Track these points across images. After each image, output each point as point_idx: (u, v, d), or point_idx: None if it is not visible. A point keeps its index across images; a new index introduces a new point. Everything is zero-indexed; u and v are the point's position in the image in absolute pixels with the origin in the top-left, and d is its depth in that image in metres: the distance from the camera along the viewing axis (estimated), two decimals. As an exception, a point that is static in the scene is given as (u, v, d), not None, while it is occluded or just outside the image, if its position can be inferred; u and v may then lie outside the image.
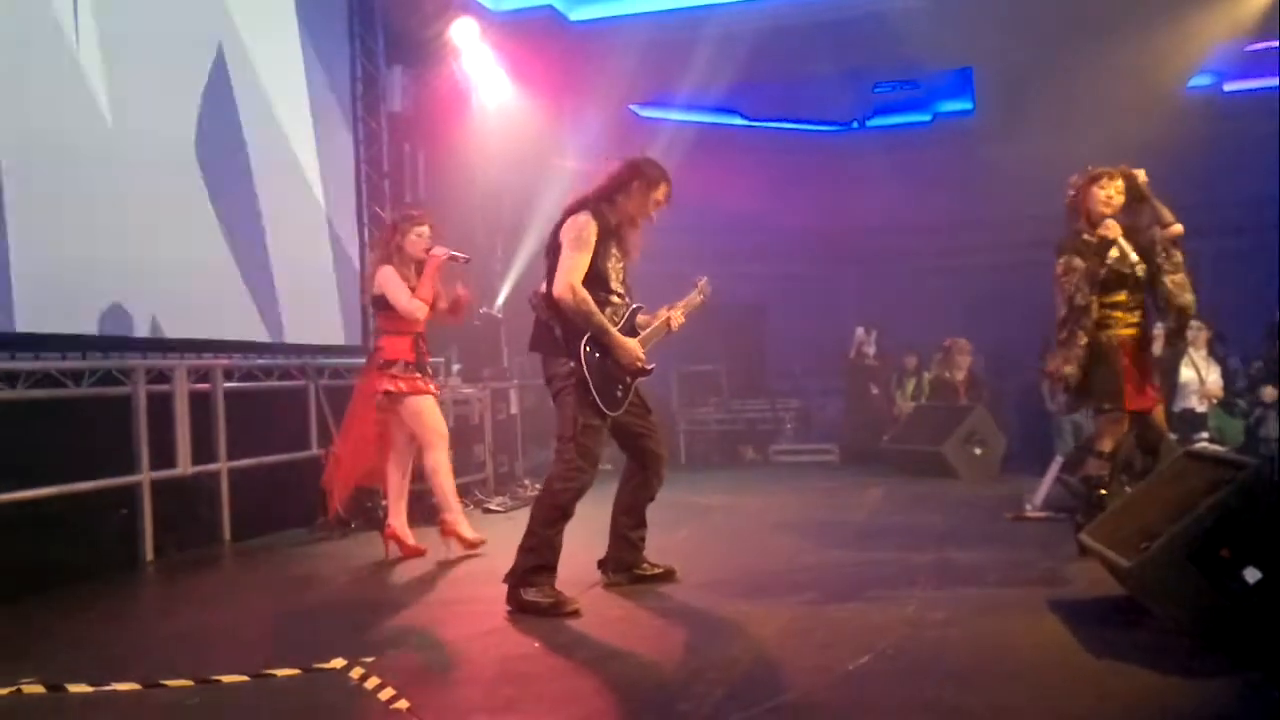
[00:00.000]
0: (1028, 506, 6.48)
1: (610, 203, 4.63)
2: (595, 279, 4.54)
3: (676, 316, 4.98)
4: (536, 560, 4.44)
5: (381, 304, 5.86)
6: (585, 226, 4.53)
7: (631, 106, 12.67)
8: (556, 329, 4.54)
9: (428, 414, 5.85)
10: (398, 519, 5.94)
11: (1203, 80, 11.88)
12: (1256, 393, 8.53)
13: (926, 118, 13.67)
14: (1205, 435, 7.90)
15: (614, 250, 4.65)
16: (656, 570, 4.99)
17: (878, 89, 13.03)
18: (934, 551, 5.51)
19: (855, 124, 14.11)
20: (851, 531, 6.47)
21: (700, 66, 10.41)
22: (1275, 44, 10.93)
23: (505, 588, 4.49)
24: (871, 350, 10.75)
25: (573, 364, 4.48)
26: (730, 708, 3.17)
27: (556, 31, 10.14)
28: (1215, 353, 8.69)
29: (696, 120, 12.87)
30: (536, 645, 3.96)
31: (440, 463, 5.88)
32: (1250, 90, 11.86)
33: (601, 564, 5.01)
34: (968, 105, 13.09)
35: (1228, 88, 12.15)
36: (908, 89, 12.95)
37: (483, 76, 9.64)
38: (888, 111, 13.77)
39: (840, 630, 4.01)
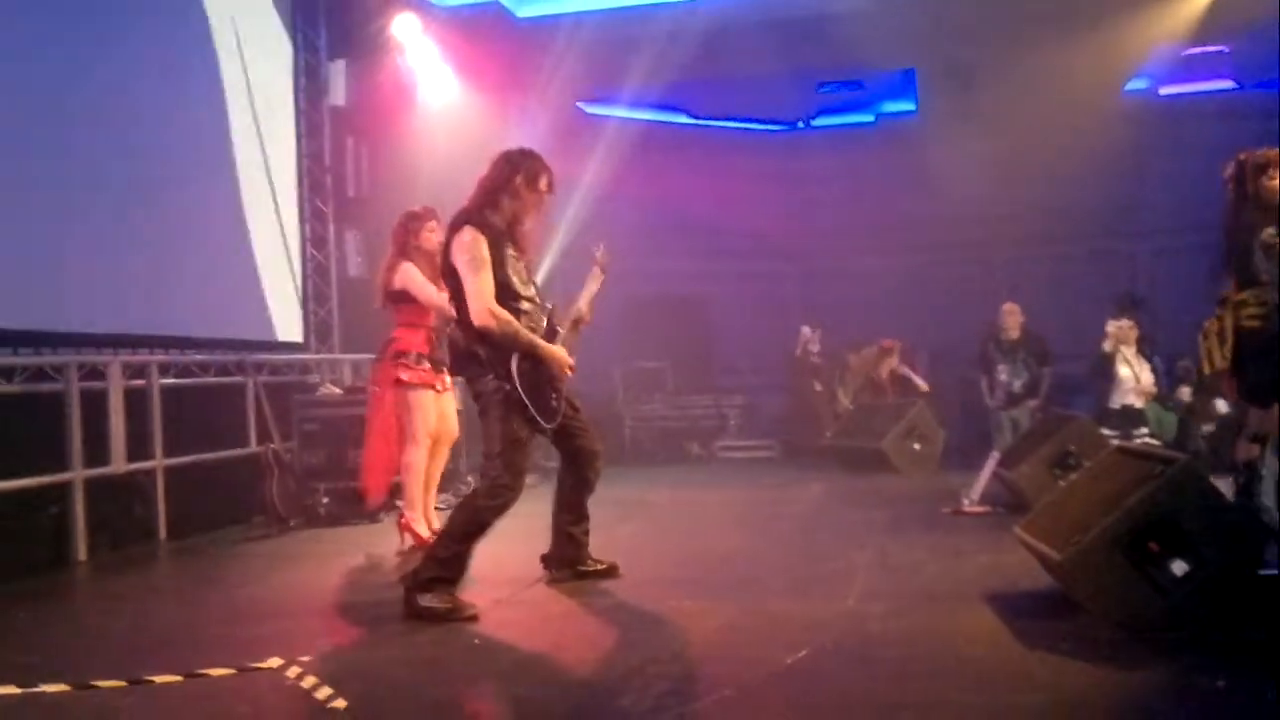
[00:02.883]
0: (965, 501, 6.57)
1: (494, 207, 4.50)
2: (502, 291, 4.40)
3: (586, 310, 4.94)
4: (442, 572, 4.29)
5: (400, 298, 5.81)
6: (475, 244, 4.37)
7: (579, 103, 12.65)
8: (481, 350, 4.40)
9: (423, 409, 5.81)
10: (412, 510, 5.87)
11: (1139, 84, 12.11)
12: (1176, 391, 8.74)
13: (870, 118, 13.80)
14: (1145, 430, 8.08)
15: (511, 253, 4.50)
16: (599, 566, 4.99)
17: (822, 89, 13.14)
18: (874, 546, 5.57)
19: (800, 124, 14.22)
20: (793, 526, 6.52)
21: (647, 64, 10.42)
22: (1210, 49, 11.22)
23: None
24: (816, 348, 10.86)
25: (501, 383, 4.34)
26: (670, 702, 3.19)
27: (503, 27, 10.09)
28: (1143, 351, 8.89)
29: (643, 118, 12.88)
30: (476, 642, 3.94)
31: (417, 460, 5.85)
32: (1186, 94, 12.10)
33: (545, 560, 5.00)
34: (910, 106, 13.24)
35: (1163, 91, 12.38)
36: (852, 89, 13.08)
37: (427, 71, 9.57)
38: (832, 112, 13.88)
39: (781, 624, 4.04)
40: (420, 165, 10.01)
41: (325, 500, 7.03)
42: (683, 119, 13.96)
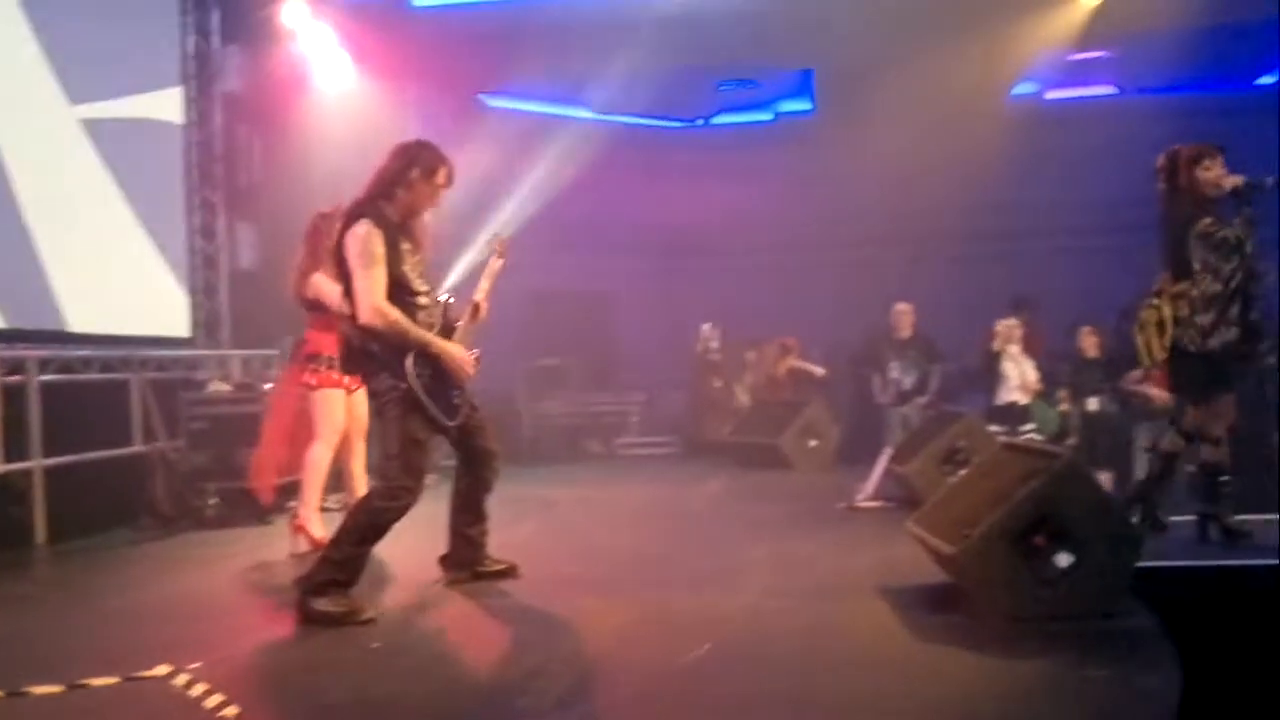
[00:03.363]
0: (859, 496, 6.70)
1: (389, 199, 4.39)
2: (396, 287, 4.30)
3: (483, 302, 4.88)
4: (337, 575, 4.19)
5: (313, 305, 5.64)
6: (368, 239, 4.25)
7: (478, 95, 12.53)
8: (374, 347, 4.30)
9: (331, 408, 5.66)
10: (307, 509, 5.71)
11: (1027, 88, 12.48)
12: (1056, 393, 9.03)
13: (769, 117, 13.96)
14: (1030, 426, 8.34)
15: (406, 248, 4.40)
16: (498, 567, 4.93)
17: (721, 87, 13.25)
18: (772, 541, 5.63)
19: (700, 121, 14.32)
20: (693, 523, 6.58)
21: (548, 57, 10.38)
22: (1093, 54, 11.62)
23: None
24: (716, 345, 10.95)
25: (396, 382, 4.25)
26: (571, 702, 3.19)
27: (400, 15, 9.92)
28: (1028, 349, 9.17)
29: (545, 111, 12.81)
30: (375, 646, 3.87)
31: (321, 458, 5.70)
32: (1071, 99, 12.52)
33: (443, 561, 4.92)
34: (808, 105, 13.44)
35: (1049, 95, 12.78)
36: (750, 88, 13.23)
37: (323, 59, 9.36)
38: (732, 110, 14.02)
39: (682, 621, 4.07)
40: (316, 154, 9.77)
41: (214, 501, 6.80)
42: (584, 113, 13.93)
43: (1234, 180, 4.78)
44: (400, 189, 4.42)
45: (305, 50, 9.12)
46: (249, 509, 6.60)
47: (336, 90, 9.50)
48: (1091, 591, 3.78)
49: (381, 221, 4.33)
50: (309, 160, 9.72)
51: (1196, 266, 4.74)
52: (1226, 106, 11.55)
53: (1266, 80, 12.14)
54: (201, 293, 8.38)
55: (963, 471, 6.14)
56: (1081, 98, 12.52)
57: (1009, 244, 13.73)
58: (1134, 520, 4.83)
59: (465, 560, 4.88)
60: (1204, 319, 4.72)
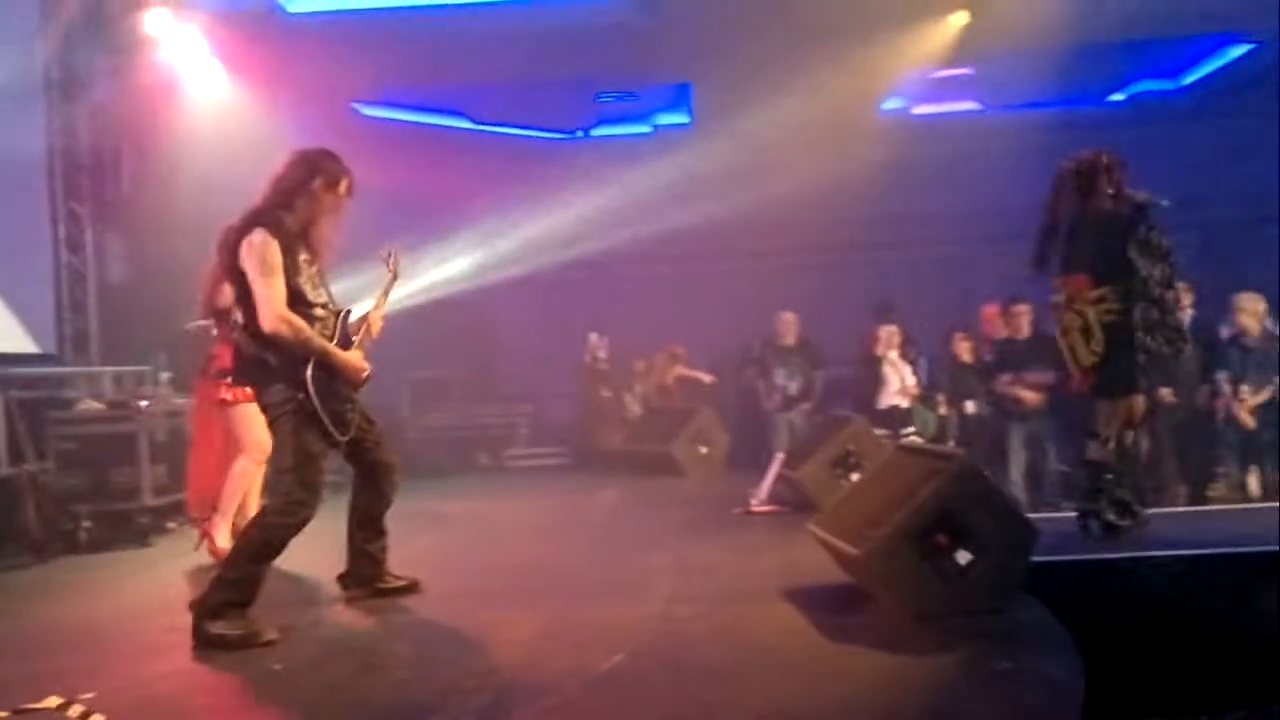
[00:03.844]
0: (753, 501, 6.79)
1: (289, 209, 4.30)
2: (294, 298, 4.21)
3: (377, 318, 4.85)
4: (233, 595, 4.06)
5: (224, 316, 5.41)
6: (266, 248, 4.15)
7: (354, 104, 12.29)
8: (270, 358, 4.20)
9: (252, 422, 5.42)
10: (223, 519, 5.56)
11: (895, 103, 12.89)
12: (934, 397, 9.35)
13: (648, 129, 14.08)
14: (911, 429, 8.60)
15: (304, 258, 4.31)
16: (399, 583, 4.84)
17: (600, 99, 13.31)
18: (672, 549, 5.66)
19: (580, 132, 14.34)
20: (591, 533, 6.57)
21: (424, 66, 10.26)
22: (957, 71, 12.07)
23: None
24: (604, 354, 10.97)
25: (293, 393, 4.16)
26: (493, 716, 3.14)
27: (274, 23, 9.67)
28: (906, 355, 9.48)
29: (422, 121, 12.65)
30: (278, 668, 3.75)
31: (248, 470, 5.56)
32: (937, 114, 12.98)
33: (342, 579, 4.81)
34: (686, 118, 13.59)
35: (916, 110, 13.22)
36: (629, 100, 13.32)
37: (192, 67, 9.04)
38: (611, 122, 14.08)
39: (592, 631, 4.05)
40: (187, 164, 9.44)
41: (87, 525, 6.50)
42: (463, 123, 13.81)
43: (1142, 196, 4.97)
44: (301, 199, 4.31)
45: (174, 59, 8.79)
46: (125, 531, 6.33)
47: (207, 99, 9.19)
48: (989, 587, 3.91)
49: (279, 231, 4.22)
50: (180, 170, 9.38)
51: (1142, 273, 4.86)
52: (1081, 121, 12.20)
53: (1117, 97, 12.84)
54: (69, 308, 8.00)
55: (854, 475, 6.34)
56: (947, 113, 13.00)
57: (880, 253, 14.19)
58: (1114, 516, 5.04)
59: (366, 577, 4.78)
60: (1162, 318, 4.89)
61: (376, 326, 4.86)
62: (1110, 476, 5.09)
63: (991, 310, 9.93)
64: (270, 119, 10.04)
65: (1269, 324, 8.56)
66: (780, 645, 3.80)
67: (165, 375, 8.43)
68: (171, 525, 6.88)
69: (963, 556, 3.94)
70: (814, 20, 10.28)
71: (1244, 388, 8.02)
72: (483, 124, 13.94)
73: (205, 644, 3.98)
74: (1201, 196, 13.09)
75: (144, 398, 7.29)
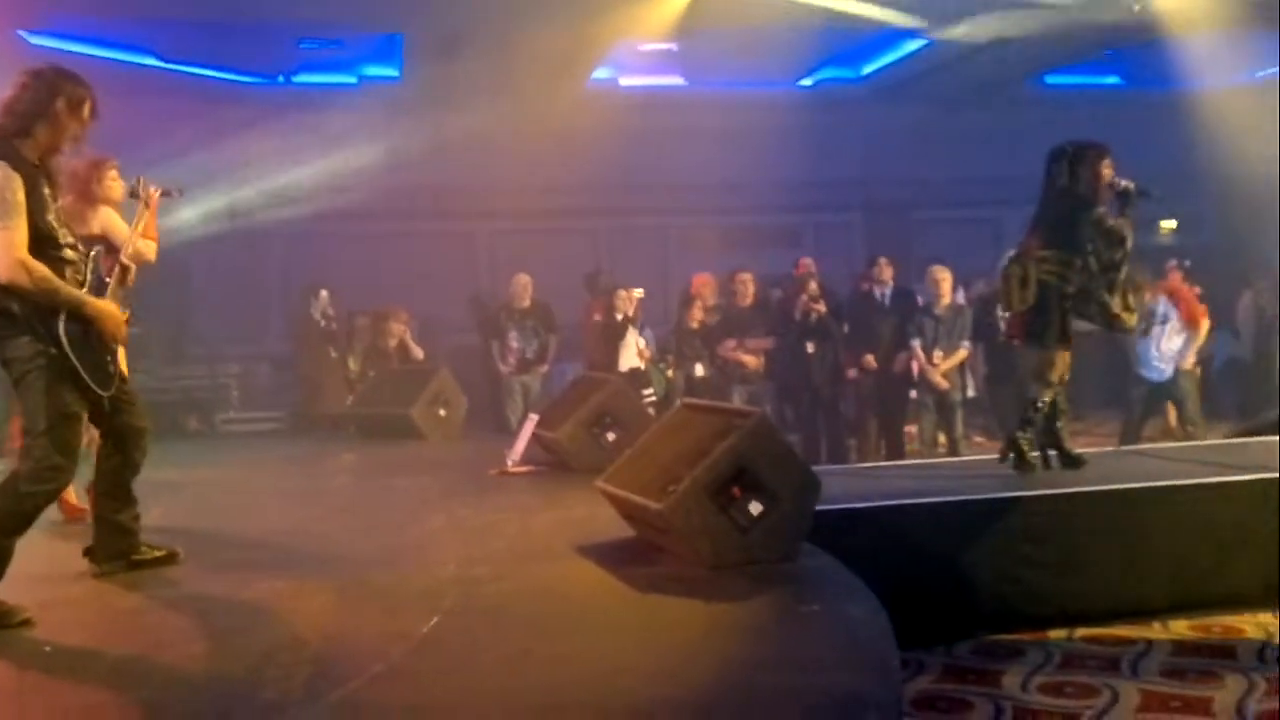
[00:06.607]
0: (509, 462, 6.76)
1: (25, 134, 3.80)
2: (41, 240, 3.76)
3: (129, 259, 4.49)
4: None
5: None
6: (7, 184, 3.67)
7: (20, 31, 10.94)
8: (13, 306, 3.73)
9: None
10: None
11: (603, 74, 13.14)
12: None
13: (353, 79, 13.55)
14: (650, 390, 8.91)
15: (46, 193, 3.85)
16: (157, 553, 4.45)
17: (303, 45, 12.68)
18: (441, 511, 5.52)
19: (281, 78, 13.56)
20: (347, 498, 6.34)
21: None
22: (661, 46, 12.45)
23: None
24: (332, 313, 10.46)
25: (43, 347, 3.75)
26: (323, 687, 3.00)
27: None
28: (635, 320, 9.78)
29: (102, 55, 11.47)
30: (49, 650, 3.38)
31: None
32: (643, 86, 13.35)
33: (89, 553, 4.35)
34: (395, 72, 13.19)
35: (624, 82, 13.54)
36: (334, 48, 12.77)
37: None
38: (314, 69, 13.42)
39: (394, 596, 3.93)
40: None
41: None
42: (150, 60, 12.65)
43: (1126, 183, 5.46)
44: (40, 124, 3.81)
45: None
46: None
47: None
48: (780, 537, 4.15)
49: (19, 163, 3.74)
50: None
51: (1089, 248, 5.41)
52: (774, 102, 13.05)
53: (806, 82, 13.80)
54: None
55: (610, 435, 6.49)
56: (653, 86, 13.40)
57: (590, 220, 14.51)
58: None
59: (118, 550, 4.36)
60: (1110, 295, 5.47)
61: (131, 270, 4.44)
62: (1029, 414, 5.63)
63: (701, 279, 10.43)
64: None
65: (959, 296, 9.57)
66: (593, 599, 3.86)
67: None
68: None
69: (755, 507, 4.14)
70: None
71: (936, 352, 8.91)
72: (172, 62, 12.86)
73: None
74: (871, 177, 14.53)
75: None
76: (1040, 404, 5.62)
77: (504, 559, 4.46)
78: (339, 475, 7.21)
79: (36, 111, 3.82)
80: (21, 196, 3.70)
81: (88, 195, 5.14)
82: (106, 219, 5.19)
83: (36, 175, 3.80)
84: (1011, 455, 5.66)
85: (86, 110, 3.93)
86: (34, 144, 3.82)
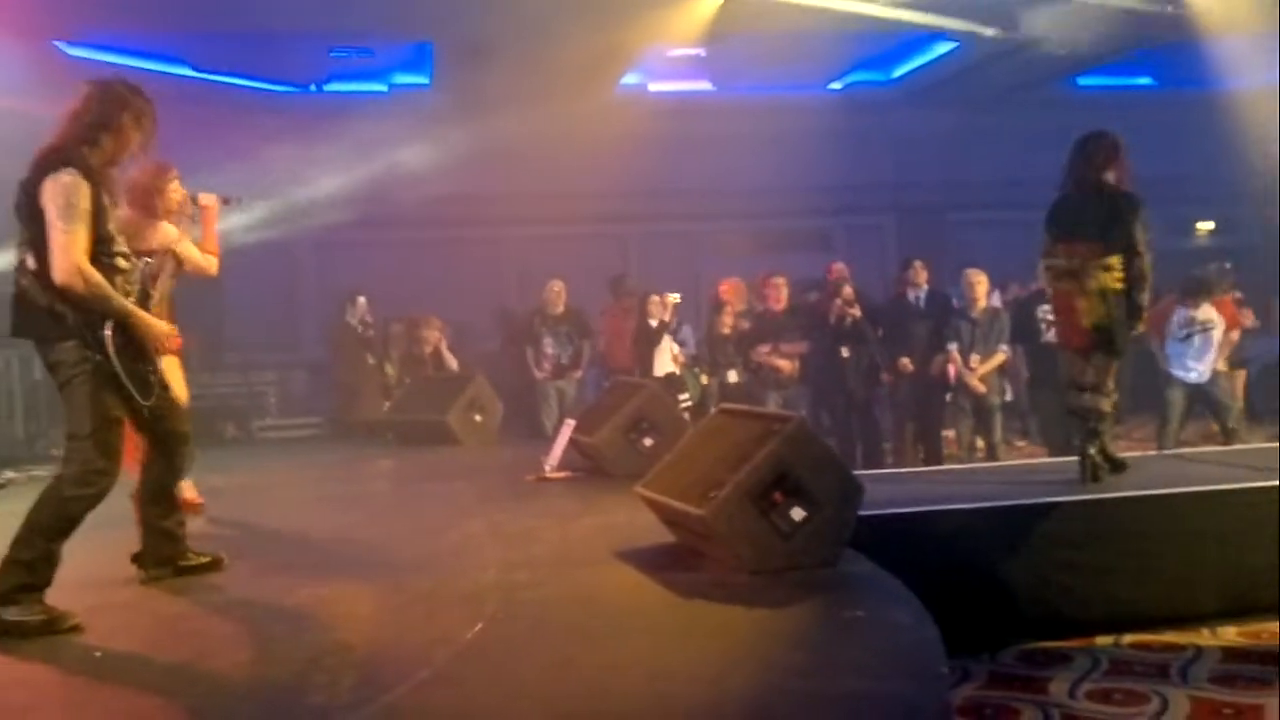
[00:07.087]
0: (547, 467, 6.77)
1: (94, 145, 3.89)
2: (102, 246, 3.84)
3: (198, 265, 4.60)
4: (28, 578, 3.69)
5: None
6: (75, 190, 3.75)
7: (57, 42, 11.10)
8: (64, 310, 3.79)
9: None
10: None
11: (633, 79, 13.13)
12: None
13: (384, 88, 13.63)
14: (685, 396, 8.89)
15: (107, 202, 3.92)
16: (203, 559, 4.50)
17: (334, 54, 12.77)
18: (480, 516, 5.53)
19: (313, 87, 13.67)
20: (385, 503, 6.37)
21: (137, 4, 9.47)
22: (690, 51, 12.42)
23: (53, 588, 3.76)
24: (370, 319, 10.52)
25: (89, 353, 3.81)
26: (368, 693, 3.01)
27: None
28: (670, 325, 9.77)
29: (137, 66, 11.60)
30: (98, 655, 3.42)
31: None
32: (672, 92, 13.32)
33: (137, 559, 4.40)
34: (425, 80, 13.26)
35: (653, 88, 13.54)
36: (364, 56, 12.85)
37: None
38: (345, 78, 13.52)
39: (437, 602, 3.94)
40: None
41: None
42: (184, 70, 12.80)
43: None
44: (106, 135, 3.90)
45: None
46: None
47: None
48: (822, 542, 4.12)
49: (87, 172, 3.82)
50: None
51: (1140, 247, 5.27)
52: (804, 106, 12.99)
53: (836, 86, 13.75)
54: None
55: (648, 441, 6.49)
56: (682, 91, 13.38)
57: (619, 226, 14.50)
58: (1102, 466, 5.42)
59: (164, 556, 4.41)
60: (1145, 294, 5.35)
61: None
62: (1100, 425, 5.47)
63: (728, 284, 10.38)
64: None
65: (994, 299, 9.49)
66: (635, 604, 3.86)
67: None
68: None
69: (797, 513, 4.12)
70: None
71: (973, 356, 8.82)
72: (207, 72, 13.00)
73: (2, 634, 3.57)
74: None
75: None
76: (1105, 413, 5.53)
77: (544, 564, 4.46)
78: (377, 481, 7.25)
79: (103, 123, 3.91)
80: (88, 204, 3.79)
81: (150, 209, 5.15)
82: (165, 234, 5.23)
83: (100, 184, 3.87)
84: (1088, 468, 5.47)
85: (149, 124, 4.03)
86: (100, 154, 3.91)
